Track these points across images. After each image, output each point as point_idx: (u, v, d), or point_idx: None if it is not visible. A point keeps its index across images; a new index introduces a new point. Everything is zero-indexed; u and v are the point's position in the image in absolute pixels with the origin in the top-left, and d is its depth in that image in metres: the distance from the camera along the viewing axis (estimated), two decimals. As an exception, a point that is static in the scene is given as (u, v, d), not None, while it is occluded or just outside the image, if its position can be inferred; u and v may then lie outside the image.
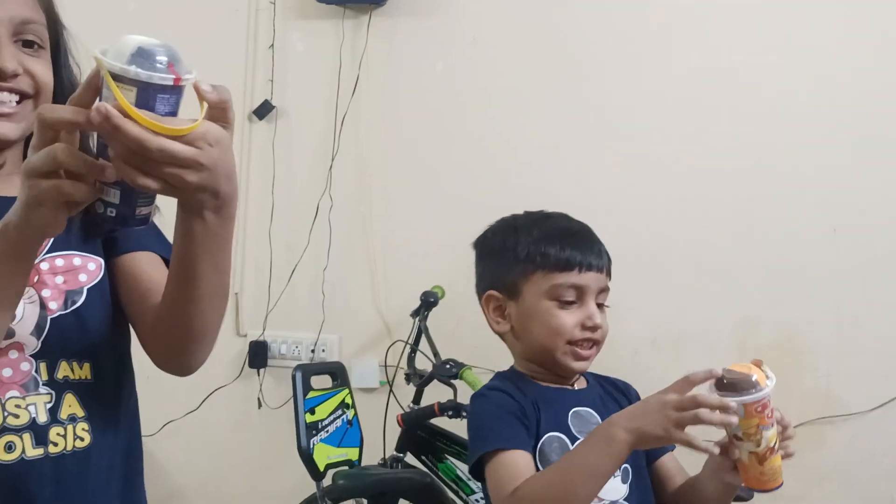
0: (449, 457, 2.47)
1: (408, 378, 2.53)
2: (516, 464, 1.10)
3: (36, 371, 0.91)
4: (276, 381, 2.98)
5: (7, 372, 0.89)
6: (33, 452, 0.89)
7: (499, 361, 2.70)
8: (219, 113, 0.77)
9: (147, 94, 0.72)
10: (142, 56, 0.72)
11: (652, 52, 2.73)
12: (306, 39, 3.01)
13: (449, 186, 2.88)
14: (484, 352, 2.71)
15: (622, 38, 2.75)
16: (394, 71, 2.94)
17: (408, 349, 2.55)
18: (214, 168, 0.75)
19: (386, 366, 2.80)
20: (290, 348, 2.98)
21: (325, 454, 2.25)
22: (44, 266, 0.95)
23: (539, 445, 1.14)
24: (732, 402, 0.99)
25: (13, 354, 0.90)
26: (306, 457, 2.21)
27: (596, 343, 1.19)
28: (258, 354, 2.97)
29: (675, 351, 2.68)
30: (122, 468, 1.00)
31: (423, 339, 2.53)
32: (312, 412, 2.26)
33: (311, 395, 2.28)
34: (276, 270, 2.98)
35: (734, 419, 1.01)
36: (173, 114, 0.74)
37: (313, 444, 2.22)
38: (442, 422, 2.42)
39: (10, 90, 0.91)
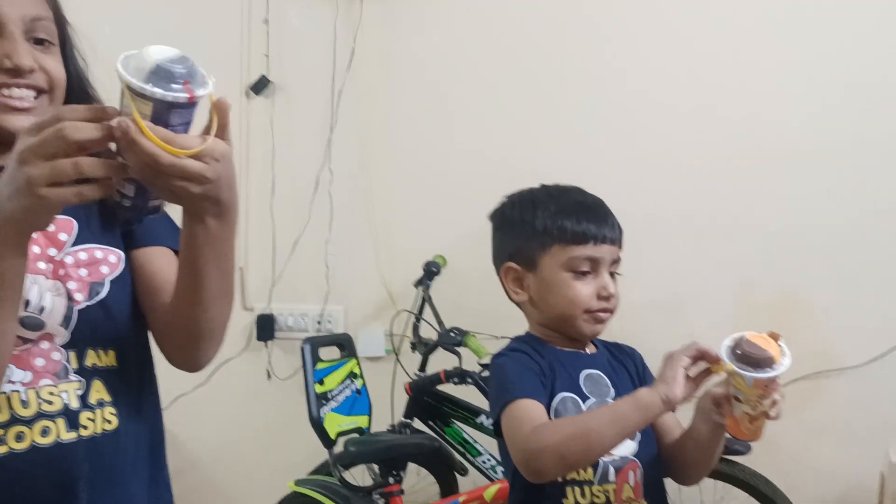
0: (455, 421, 2.54)
1: (413, 346, 2.58)
2: (535, 409, 1.16)
3: (66, 360, 0.95)
4: (284, 353, 3.04)
5: (40, 362, 0.93)
6: (67, 436, 0.93)
7: (502, 328, 2.76)
8: (221, 128, 0.84)
9: (162, 110, 0.78)
10: (159, 74, 0.78)
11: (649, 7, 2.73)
12: (301, 13, 3.01)
13: (448, 157, 2.90)
14: (487, 319, 2.76)
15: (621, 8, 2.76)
16: (390, 43, 2.95)
17: (412, 318, 2.59)
18: (218, 180, 0.83)
19: (392, 335, 2.85)
20: (296, 320, 3.04)
21: (335, 423, 2.31)
22: (68, 260, 0.99)
23: (553, 404, 1.20)
24: (748, 375, 1.03)
25: (44, 345, 0.94)
26: (318, 426, 2.27)
27: (610, 311, 1.26)
28: (265, 327, 3.03)
29: (675, 313, 2.74)
30: (147, 449, 1.05)
31: (427, 308, 2.58)
32: (322, 383, 2.32)
33: (319, 366, 2.34)
34: (280, 244, 3.02)
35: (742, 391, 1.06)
36: (187, 125, 0.81)
37: (324, 414, 2.28)
38: (448, 388, 2.49)
39: (28, 86, 0.94)
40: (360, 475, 2.54)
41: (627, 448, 1.22)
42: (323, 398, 2.30)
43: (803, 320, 2.67)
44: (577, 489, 1.19)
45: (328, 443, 2.29)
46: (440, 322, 2.54)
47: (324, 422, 2.27)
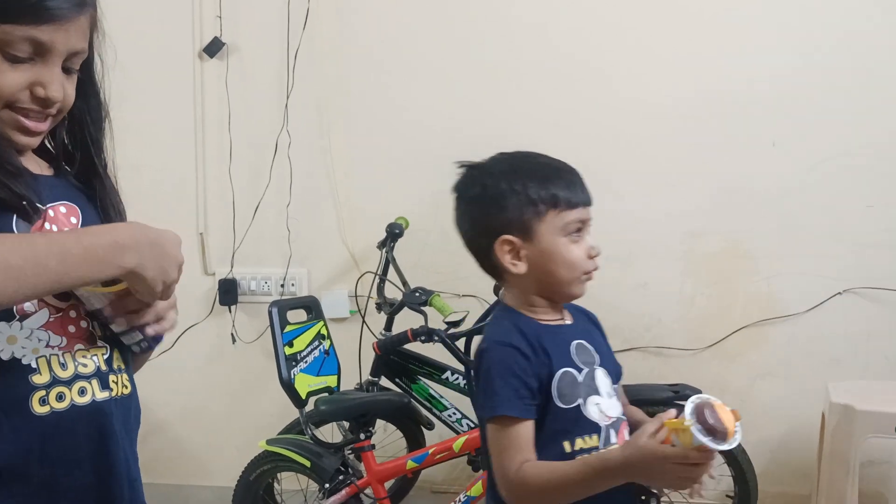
0: (422, 378, 2.61)
1: (379, 307, 2.63)
2: (518, 436, 1.19)
3: (91, 328, 1.01)
4: (248, 317, 3.06)
5: (72, 328, 0.99)
6: (101, 395, 1.00)
7: (465, 286, 2.84)
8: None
9: None
10: None
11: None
12: (253, -28, 2.97)
13: (410, 117, 2.91)
14: (450, 278, 2.83)
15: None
16: (346, 0, 2.92)
17: (377, 280, 2.64)
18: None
19: (356, 296, 2.90)
20: (259, 284, 3.05)
21: (305, 383, 2.36)
22: None
23: (554, 382, 1.22)
24: (703, 440, 1.04)
25: (73, 314, 1.00)
26: (288, 387, 2.31)
27: (595, 269, 1.30)
28: (228, 292, 3.04)
29: (626, 265, 2.82)
30: (138, 415, 1.12)
31: (391, 269, 2.63)
32: (291, 345, 2.36)
33: (288, 328, 2.37)
34: (240, 209, 3.01)
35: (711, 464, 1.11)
36: None
37: (294, 375, 2.33)
38: (413, 346, 2.55)
39: (47, 116, 0.99)
40: (329, 434, 2.61)
41: (616, 408, 1.28)
42: (292, 360, 2.34)
43: (749, 269, 2.80)
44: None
45: (299, 403, 2.34)
46: (405, 282, 2.58)
47: (294, 383, 2.32)
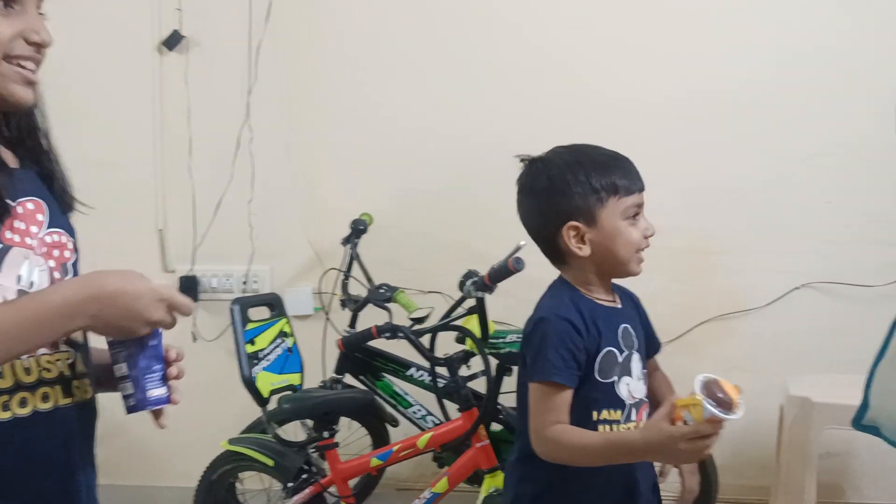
0: (386, 375, 2.60)
1: (343, 304, 2.61)
2: (559, 400, 1.33)
3: None
4: (209, 315, 3.01)
5: None
6: (63, 401, 0.99)
7: (430, 283, 2.83)
8: None
9: None
10: None
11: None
12: (213, -36, 2.92)
13: (374, 112, 2.89)
14: (415, 274, 2.82)
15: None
16: (309, -8, 2.90)
17: (341, 276, 2.62)
18: None
19: (320, 293, 2.87)
20: (220, 281, 3.01)
21: (268, 381, 2.32)
22: (47, 239, 1.02)
23: (598, 358, 1.36)
24: (714, 411, 1.15)
25: None
26: (250, 385, 2.28)
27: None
28: (189, 289, 2.99)
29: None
30: (95, 419, 1.10)
31: (356, 266, 2.61)
32: (252, 343, 2.32)
33: (249, 326, 2.33)
34: (201, 205, 2.97)
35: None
36: None
37: (256, 373, 2.29)
38: (378, 342, 2.53)
39: (38, 64, 0.97)
40: (293, 432, 2.58)
41: (641, 391, 1.42)
42: (254, 358, 2.30)
43: (713, 265, 2.83)
44: (607, 427, 1.37)
45: (262, 401, 2.31)
46: (369, 279, 2.57)
47: (256, 381, 2.28)
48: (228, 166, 2.93)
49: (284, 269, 3.00)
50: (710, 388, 1.16)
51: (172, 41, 2.91)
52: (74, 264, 1.06)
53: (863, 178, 2.68)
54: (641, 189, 1.43)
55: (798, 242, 2.76)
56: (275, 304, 2.46)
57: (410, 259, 2.80)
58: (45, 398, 0.97)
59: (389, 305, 2.43)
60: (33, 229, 1.00)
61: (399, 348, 2.52)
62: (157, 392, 0.98)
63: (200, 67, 2.94)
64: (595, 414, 1.36)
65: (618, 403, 1.38)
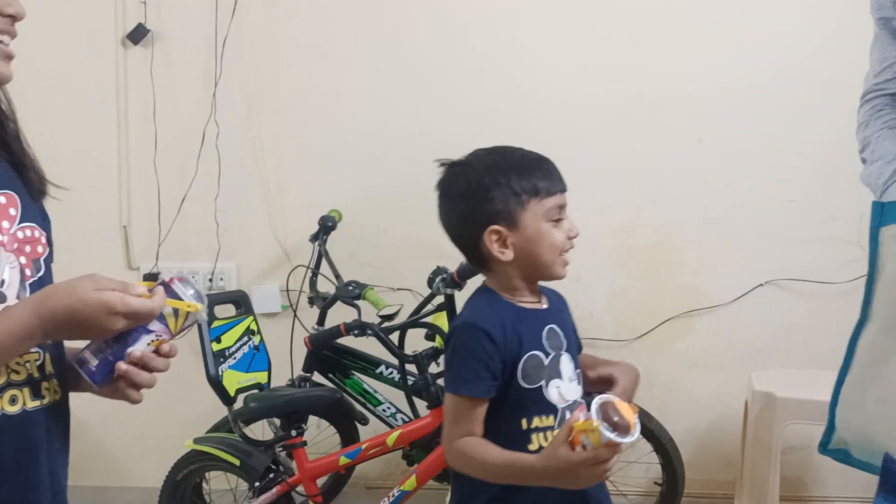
0: (355, 372, 2.58)
1: (311, 301, 2.59)
2: (469, 412, 1.31)
3: None
4: (174, 312, 2.97)
5: None
6: (32, 404, 0.97)
7: (399, 280, 2.83)
8: None
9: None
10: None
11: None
12: (178, -44, 2.87)
13: (341, 107, 2.87)
14: (384, 271, 2.81)
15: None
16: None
17: (309, 273, 2.59)
18: None
19: (288, 290, 2.85)
20: (186, 279, 2.96)
21: (234, 380, 2.30)
22: (19, 234, 0.99)
23: (520, 365, 1.32)
24: (612, 437, 1.13)
25: None
26: (216, 384, 2.25)
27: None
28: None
29: (561, 258, 2.85)
30: (68, 420, 1.08)
31: (324, 263, 2.59)
32: (218, 340, 2.29)
33: (215, 324, 2.30)
34: (166, 201, 2.92)
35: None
36: None
37: (222, 371, 2.26)
38: (346, 340, 2.51)
39: (12, 38, 0.94)
40: (260, 431, 2.55)
41: (576, 392, 1.38)
42: (220, 356, 2.27)
43: (677, 262, 2.86)
44: (540, 435, 1.33)
45: (228, 400, 2.28)
46: (338, 276, 2.55)
47: (222, 379, 2.25)
48: (193, 161, 2.89)
49: (251, 266, 2.97)
50: (607, 411, 1.14)
51: (137, 35, 2.86)
52: (47, 259, 1.03)
53: (824, 178, 2.73)
54: (563, 190, 1.39)
55: (761, 240, 2.80)
56: (241, 301, 2.43)
57: (380, 256, 2.78)
58: (12, 401, 0.94)
59: (358, 303, 2.42)
60: (4, 224, 0.97)
61: (368, 346, 2.51)
62: (91, 364, 0.96)
63: (166, 62, 2.89)
64: (525, 423, 1.32)
65: (549, 409, 1.33)
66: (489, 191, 1.34)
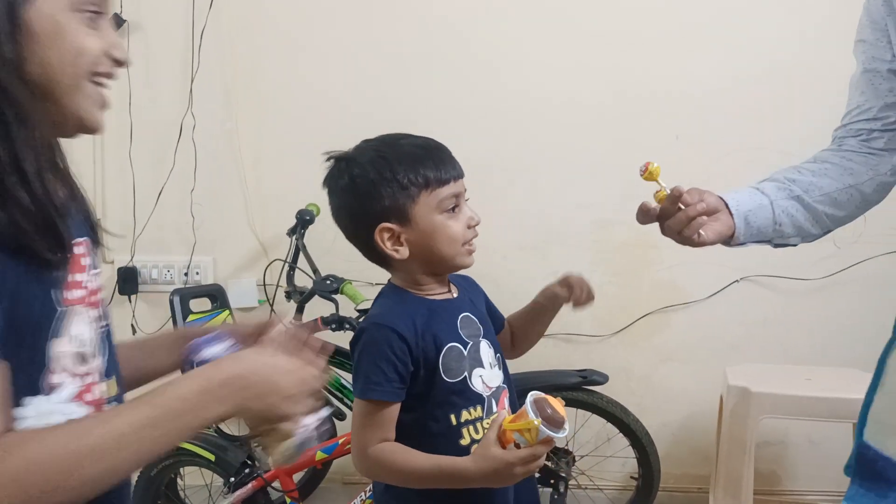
0: (332, 367, 2.57)
1: (288, 295, 2.57)
2: (381, 416, 1.24)
3: (104, 391, 0.90)
4: (149, 307, 2.94)
5: (89, 396, 0.87)
6: None
7: (377, 274, 2.77)
8: None
9: None
10: None
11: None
12: (155, -54, 2.84)
13: (320, 100, 2.85)
14: (362, 265, 2.78)
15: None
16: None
17: (286, 268, 2.58)
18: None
19: (265, 285, 2.83)
20: (161, 273, 2.93)
21: (210, 375, 2.28)
22: (91, 285, 0.91)
23: (440, 359, 1.26)
24: (549, 433, 1.12)
25: (89, 379, 0.88)
26: (191, 379, 2.23)
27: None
28: (128, 281, 2.91)
29: (539, 254, 2.87)
30: None
31: (301, 257, 2.57)
32: (194, 335, 2.27)
33: (191, 318, 2.29)
34: (141, 194, 2.89)
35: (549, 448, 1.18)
36: None
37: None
38: (323, 334, 2.50)
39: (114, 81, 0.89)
40: (235, 426, 2.53)
41: (498, 378, 1.33)
42: (196, 351, 2.25)
43: (653, 258, 2.88)
44: (470, 428, 1.28)
45: (204, 395, 2.26)
46: (315, 270, 2.53)
47: (198, 374, 2.23)
48: (170, 154, 2.86)
49: (228, 260, 2.94)
50: (541, 407, 1.13)
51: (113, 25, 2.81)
52: (104, 302, 0.95)
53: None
54: (458, 177, 1.28)
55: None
56: (217, 295, 2.41)
57: (357, 250, 2.76)
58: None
59: (336, 297, 2.40)
60: (83, 277, 0.88)
61: (346, 340, 2.49)
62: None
63: (142, 52, 2.86)
64: (454, 418, 1.26)
65: (475, 399, 1.28)
66: (376, 187, 1.25)
